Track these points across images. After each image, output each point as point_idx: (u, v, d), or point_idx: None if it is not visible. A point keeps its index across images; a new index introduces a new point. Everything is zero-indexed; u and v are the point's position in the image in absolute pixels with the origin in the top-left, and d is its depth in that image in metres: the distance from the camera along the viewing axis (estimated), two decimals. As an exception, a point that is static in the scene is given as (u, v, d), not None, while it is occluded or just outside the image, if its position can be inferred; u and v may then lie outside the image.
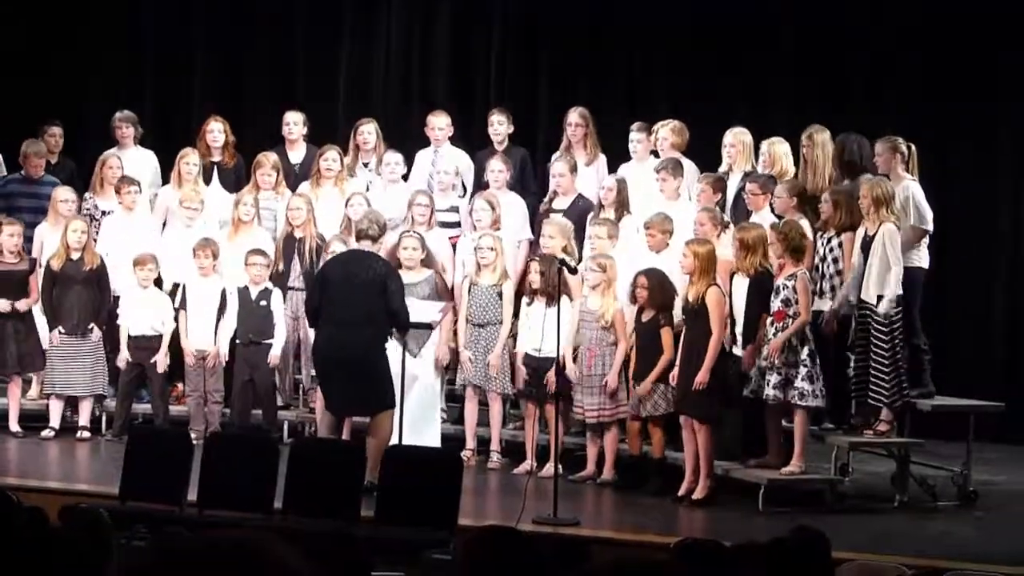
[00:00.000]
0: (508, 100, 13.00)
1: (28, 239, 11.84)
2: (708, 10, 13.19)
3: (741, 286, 10.09)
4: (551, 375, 10.36)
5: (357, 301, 9.95)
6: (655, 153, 11.58)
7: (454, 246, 11.59)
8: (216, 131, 12.47)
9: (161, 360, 11.54)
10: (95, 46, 14.55)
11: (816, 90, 12.90)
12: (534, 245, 11.42)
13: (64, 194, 11.97)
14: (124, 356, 11.60)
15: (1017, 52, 12.55)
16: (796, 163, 11.10)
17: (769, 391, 9.75)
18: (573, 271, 10.18)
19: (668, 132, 11.48)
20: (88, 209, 12.15)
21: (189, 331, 11.58)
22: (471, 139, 12.67)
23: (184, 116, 14.15)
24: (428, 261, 11.15)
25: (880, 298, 9.88)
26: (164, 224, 12.22)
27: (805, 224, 10.29)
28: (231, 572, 2.19)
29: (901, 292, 9.94)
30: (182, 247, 11.77)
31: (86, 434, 11.52)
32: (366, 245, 10.33)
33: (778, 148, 11.07)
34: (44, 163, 12.38)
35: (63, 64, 14.31)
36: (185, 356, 11.60)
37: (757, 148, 11.25)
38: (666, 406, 10.19)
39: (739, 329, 10.07)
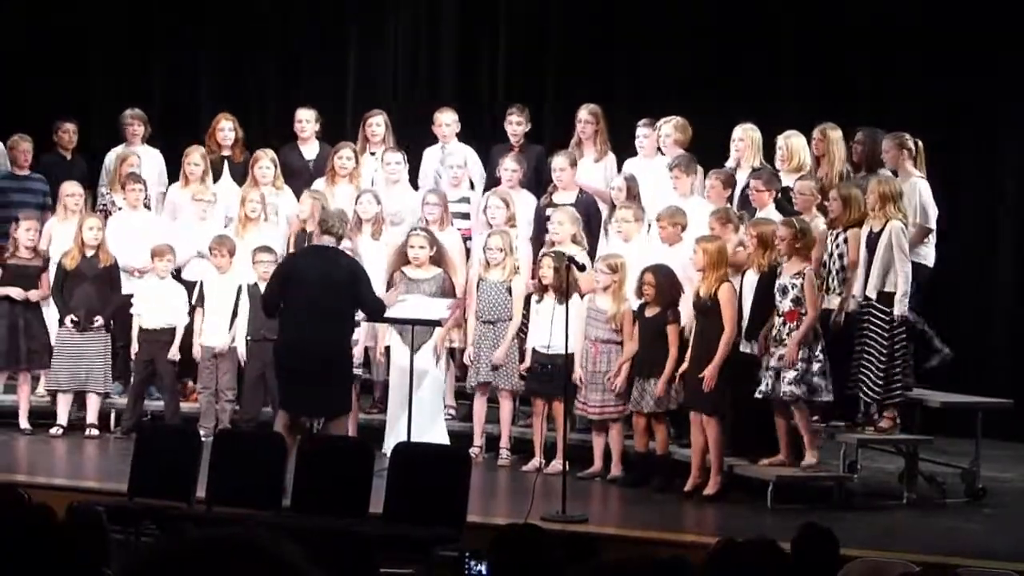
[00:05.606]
0: (515, 98, 12.99)
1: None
2: (712, 8, 13.17)
3: (750, 282, 10.06)
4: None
5: (328, 299, 9.80)
6: (660, 150, 11.56)
7: (466, 238, 11.60)
8: (227, 129, 12.52)
9: (173, 352, 11.54)
10: (104, 44, 14.59)
11: (819, 88, 12.88)
12: (538, 240, 11.38)
13: (71, 188, 12.01)
14: (135, 348, 11.61)
15: (1017, 52, 12.52)
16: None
17: (786, 388, 9.70)
18: (582, 268, 10.13)
19: (671, 128, 11.43)
20: (105, 205, 12.22)
21: (205, 328, 11.58)
22: (479, 137, 12.67)
23: (192, 115, 14.16)
24: (438, 259, 11.12)
25: (882, 295, 9.85)
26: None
27: (821, 221, 10.27)
28: (230, 569, 2.19)
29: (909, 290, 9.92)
30: (197, 242, 11.80)
31: (95, 431, 11.53)
32: (329, 241, 10.17)
33: (795, 142, 10.93)
34: (31, 157, 12.39)
35: (71, 62, 14.35)
36: (194, 352, 11.60)
37: (766, 144, 11.21)
38: (668, 402, 10.19)
39: (745, 324, 10.04)
